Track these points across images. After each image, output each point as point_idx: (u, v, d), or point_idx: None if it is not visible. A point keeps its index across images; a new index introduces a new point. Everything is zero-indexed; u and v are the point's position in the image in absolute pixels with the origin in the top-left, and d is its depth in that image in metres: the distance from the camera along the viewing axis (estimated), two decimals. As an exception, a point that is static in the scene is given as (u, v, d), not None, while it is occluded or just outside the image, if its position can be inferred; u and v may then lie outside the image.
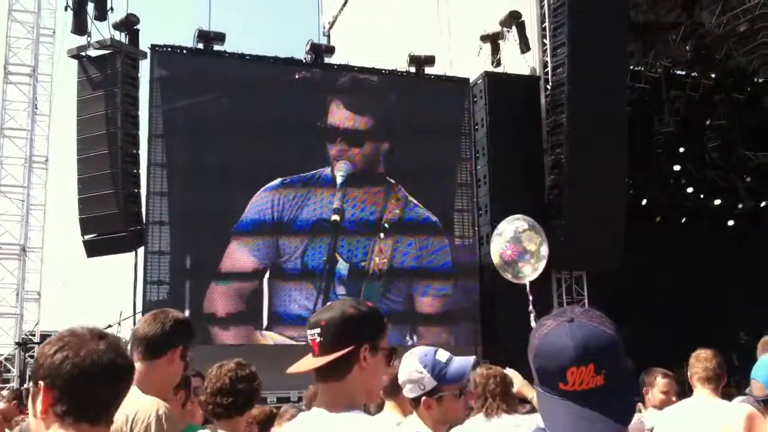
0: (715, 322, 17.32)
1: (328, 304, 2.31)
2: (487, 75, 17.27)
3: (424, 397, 2.90)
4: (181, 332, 3.02)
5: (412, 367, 2.94)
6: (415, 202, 16.29)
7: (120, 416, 2.32)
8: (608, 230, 15.92)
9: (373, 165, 16.31)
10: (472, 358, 3.07)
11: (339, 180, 15.80)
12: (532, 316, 5.51)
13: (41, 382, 1.78)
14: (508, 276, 6.56)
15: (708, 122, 20.05)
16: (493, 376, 4.17)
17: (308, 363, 2.22)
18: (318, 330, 2.20)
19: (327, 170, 15.89)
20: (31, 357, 16.09)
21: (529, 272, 6.19)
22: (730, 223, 20.38)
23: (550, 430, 1.70)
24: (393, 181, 16.24)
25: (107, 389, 1.81)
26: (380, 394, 2.36)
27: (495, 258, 6.36)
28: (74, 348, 1.78)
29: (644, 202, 19.56)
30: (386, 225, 16.04)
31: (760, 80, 21.25)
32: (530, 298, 5.74)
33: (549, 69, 16.91)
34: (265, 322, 14.90)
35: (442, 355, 2.95)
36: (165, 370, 2.95)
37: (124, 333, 13.43)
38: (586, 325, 1.68)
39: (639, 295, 17.65)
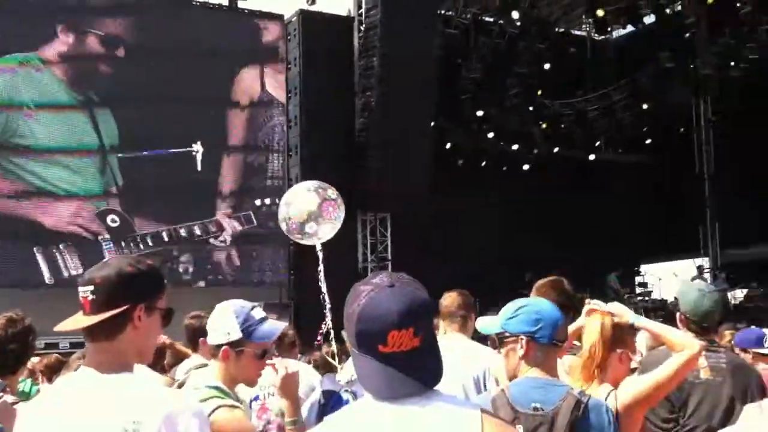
0: (507, 262, 18.41)
1: (105, 260, 2.23)
2: (302, 13, 17.09)
3: (225, 347, 2.92)
4: None
5: (225, 314, 2.97)
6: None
7: None
8: (413, 173, 16.42)
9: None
10: (284, 324, 3.14)
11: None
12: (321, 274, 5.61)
13: None
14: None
15: (511, 69, 20.83)
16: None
17: (78, 321, 2.15)
18: (91, 287, 2.13)
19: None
20: None
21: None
22: (526, 167, 21.50)
23: (367, 390, 1.82)
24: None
25: None
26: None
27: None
28: None
29: (448, 146, 20.24)
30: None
31: (561, 30, 22.31)
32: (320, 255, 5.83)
33: (363, 10, 16.97)
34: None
35: (258, 312, 2.99)
36: None
37: None
38: (406, 290, 1.81)
39: (441, 237, 18.40)
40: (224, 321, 2.95)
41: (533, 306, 2.84)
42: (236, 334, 2.91)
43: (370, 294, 1.80)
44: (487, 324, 2.98)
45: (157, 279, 2.25)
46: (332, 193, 6.01)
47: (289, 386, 3.15)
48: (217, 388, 2.88)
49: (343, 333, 4.70)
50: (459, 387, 4.21)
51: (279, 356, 4.19)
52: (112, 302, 2.10)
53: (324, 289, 5.41)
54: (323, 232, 5.90)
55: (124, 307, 2.11)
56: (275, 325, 3.03)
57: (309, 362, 6.59)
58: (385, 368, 1.77)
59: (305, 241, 5.91)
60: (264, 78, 16.38)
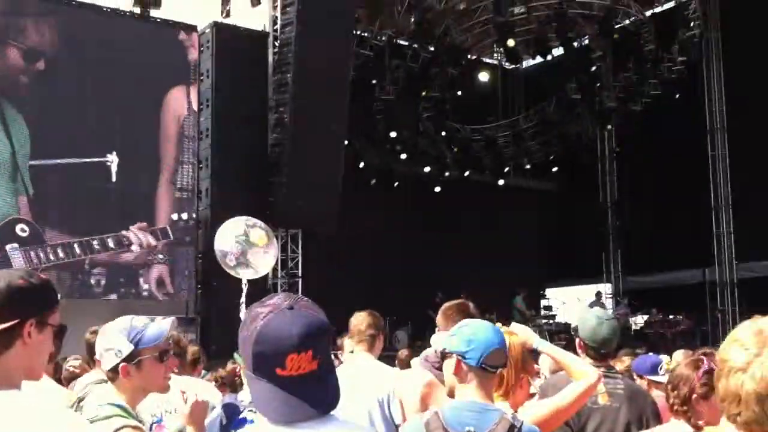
0: (418, 282, 18.56)
1: None
2: (216, 25, 16.90)
3: (122, 364, 2.86)
4: None
5: (110, 336, 2.92)
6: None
7: None
8: (326, 191, 16.41)
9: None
10: (171, 319, 3.08)
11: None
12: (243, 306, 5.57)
13: None
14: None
15: (423, 93, 21.11)
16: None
17: None
18: None
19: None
20: None
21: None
22: (437, 189, 21.79)
23: (263, 414, 1.79)
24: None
25: None
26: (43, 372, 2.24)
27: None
28: None
29: (362, 165, 20.34)
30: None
31: (473, 57, 22.73)
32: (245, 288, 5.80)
33: (278, 26, 16.93)
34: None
35: (139, 321, 2.95)
36: None
37: None
38: (306, 313, 1.79)
39: (352, 255, 18.44)
40: (111, 342, 2.90)
41: (471, 328, 2.92)
42: (127, 348, 2.86)
43: (269, 316, 1.77)
44: (437, 340, 3.13)
45: (50, 293, 2.16)
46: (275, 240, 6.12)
47: (197, 415, 3.12)
48: (120, 406, 2.82)
49: (236, 355, 4.63)
50: (364, 409, 4.21)
51: (179, 374, 4.12)
52: (1, 316, 2.02)
53: (243, 317, 5.37)
54: (251, 270, 5.91)
55: (13, 322, 2.02)
56: (161, 324, 2.98)
57: (216, 379, 6.54)
58: (282, 392, 1.75)
59: (233, 273, 5.90)
60: (190, 95, 16.22)
